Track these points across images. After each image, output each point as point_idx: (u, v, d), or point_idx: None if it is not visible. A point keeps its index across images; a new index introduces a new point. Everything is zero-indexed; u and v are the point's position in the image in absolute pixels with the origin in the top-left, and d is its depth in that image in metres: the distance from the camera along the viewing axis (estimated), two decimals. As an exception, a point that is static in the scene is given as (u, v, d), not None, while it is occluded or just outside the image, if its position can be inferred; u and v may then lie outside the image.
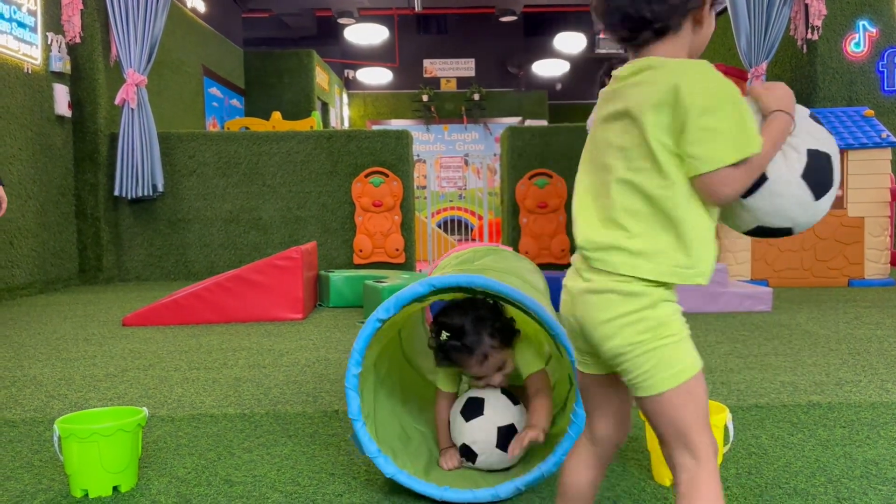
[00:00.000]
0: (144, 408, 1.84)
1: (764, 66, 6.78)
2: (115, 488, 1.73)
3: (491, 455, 1.74)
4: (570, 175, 7.14)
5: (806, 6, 6.79)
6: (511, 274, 2.13)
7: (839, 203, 5.79)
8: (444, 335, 1.76)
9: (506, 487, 1.62)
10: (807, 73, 7.16)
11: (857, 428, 2.11)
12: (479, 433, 1.73)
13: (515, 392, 1.82)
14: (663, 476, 1.69)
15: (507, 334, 1.76)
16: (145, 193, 6.70)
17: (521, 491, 1.63)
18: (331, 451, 2.01)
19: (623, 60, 1.22)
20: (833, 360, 3.03)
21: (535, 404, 1.74)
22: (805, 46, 7.01)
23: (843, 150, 5.67)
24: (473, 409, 1.76)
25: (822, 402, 2.39)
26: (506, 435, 1.72)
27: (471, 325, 1.72)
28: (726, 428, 1.68)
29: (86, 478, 1.71)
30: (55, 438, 1.73)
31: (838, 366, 2.94)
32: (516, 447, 1.66)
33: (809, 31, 6.83)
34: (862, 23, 7.04)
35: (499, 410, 1.75)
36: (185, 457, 1.99)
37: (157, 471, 1.88)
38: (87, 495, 1.71)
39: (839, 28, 7.03)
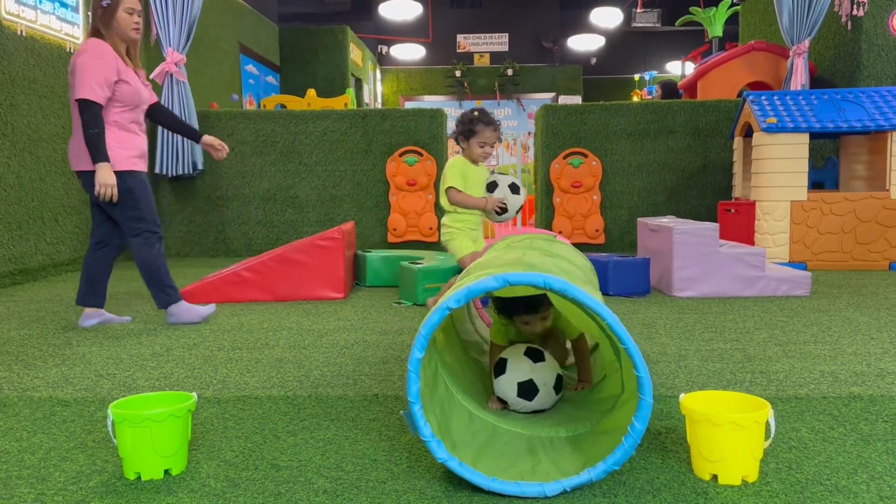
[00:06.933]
0: (194, 393, 1.89)
1: (806, 43, 6.63)
2: (166, 471, 1.79)
3: (514, 403, 2.14)
4: (605, 154, 7.09)
5: (852, -19, 6.61)
6: (573, 266, 2.13)
7: (881, 185, 5.69)
8: None
9: (552, 487, 1.65)
10: (851, 50, 6.99)
11: (899, 422, 2.10)
12: (505, 387, 2.15)
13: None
14: (703, 470, 1.71)
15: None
16: (185, 171, 6.79)
17: (567, 492, 1.66)
18: (372, 437, 2.05)
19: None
20: (874, 350, 3.00)
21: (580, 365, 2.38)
22: (850, 23, 6.84)
23: (888, 131, 5.55)
24: (500, 368, 2.18)
25: (863, 395, 2.38)
26: (526, 388, 2.12)
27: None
28: (768, 424, 1.68)
29: (138, 461, 1.77)
30: (109, 422, 1.79)
31: (879, 355, 2.91)
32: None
33: (854, 6, 6.65)
34: (910, -2, 6.83)
35: (520, 370, 2.14)
36: (233, 439, 2.05)
37: (206, 454, 1.94)
38: (139, 478, 1.77)
39: (886, 3, 6.83)
